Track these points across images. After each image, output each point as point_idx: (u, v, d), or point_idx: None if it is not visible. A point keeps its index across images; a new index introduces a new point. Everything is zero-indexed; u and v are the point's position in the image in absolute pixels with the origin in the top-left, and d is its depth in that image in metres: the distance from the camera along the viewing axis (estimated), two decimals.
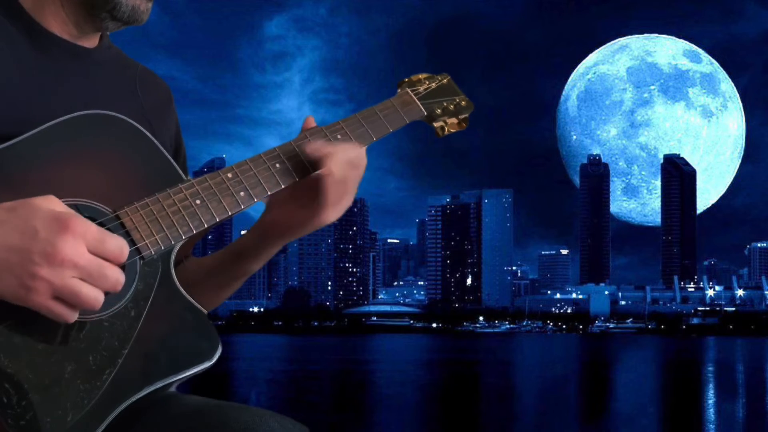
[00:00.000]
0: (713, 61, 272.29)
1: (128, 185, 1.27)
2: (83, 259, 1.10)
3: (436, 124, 1.60)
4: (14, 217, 1.09)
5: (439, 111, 1.59)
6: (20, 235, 1.08)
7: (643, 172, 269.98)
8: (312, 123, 1.46)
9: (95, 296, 1.11)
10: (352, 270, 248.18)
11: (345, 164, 1.39)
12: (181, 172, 1.33)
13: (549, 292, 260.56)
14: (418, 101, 1.57)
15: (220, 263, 1.51)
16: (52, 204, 1.12)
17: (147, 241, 1.24)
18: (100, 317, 1.20)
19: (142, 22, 1.39)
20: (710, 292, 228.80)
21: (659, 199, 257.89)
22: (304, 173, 1.39)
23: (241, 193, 1.33)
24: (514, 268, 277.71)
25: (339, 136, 1.45)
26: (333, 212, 1.42)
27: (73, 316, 1.12)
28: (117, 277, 1.14)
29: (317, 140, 1.40)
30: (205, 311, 1.29)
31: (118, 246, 1.14)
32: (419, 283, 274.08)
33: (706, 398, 22.44)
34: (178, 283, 1.28)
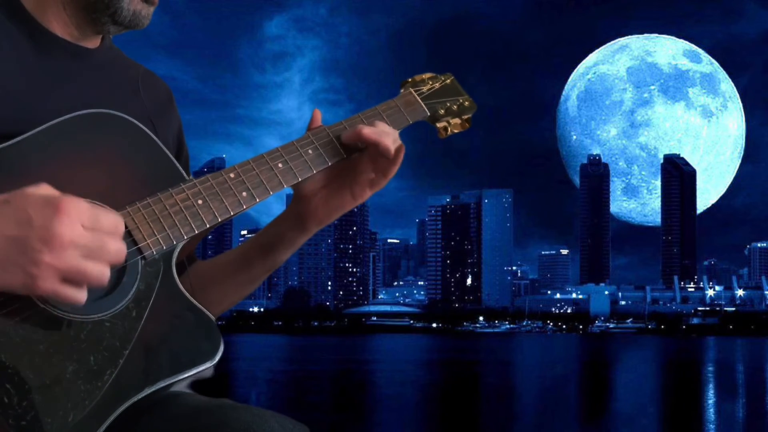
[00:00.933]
0: (713, 61, 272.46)
1: (130, 184, 1.27)
2: (82, 237, 1.10)
3: (439, 125, 1.59)
4: (8, 209, 1.10)
5: (442, 111, 1.59)
6: (16, 225, 1.09)
7: (643, 172, 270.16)
8: (319, 117, 1.48)
9: (101, 270, 1.12)
10: (352, 270, 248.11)
11: (396, 142, 1.44)
12: (183, 171, 1.33)
13: (549, 292, 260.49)
14: (421, 101, 1.56)
15: (246, 258, 1.51)
16: (44, 190, 1.12)
17: (149, 241, 1.23)
18: (101, 318, 1.19)
19: (142, 27, 1.41)
20: (710, 292, 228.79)
21: (659, 199, 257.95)
22: (306, 173, 1.41)
23: (244, 193, 1.33)
24: (514, 268, 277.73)
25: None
26: (378, 186, 1.47)
27: (83, 297, 1.12)
28: (118, 247, 1.14)
29: (362, 125, 1.44)
30: (207, 312, 1.29)
31: (114, 221, 1.14)
32: (419, 283, 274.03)
33: (706, 398, 22.45)
34: (179, 283, 1.28)
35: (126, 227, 1.23)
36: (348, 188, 1.47)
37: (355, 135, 1.43)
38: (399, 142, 1.45)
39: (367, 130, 1.42)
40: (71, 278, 1.11)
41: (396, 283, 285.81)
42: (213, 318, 1.30)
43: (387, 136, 1.43)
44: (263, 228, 1.54)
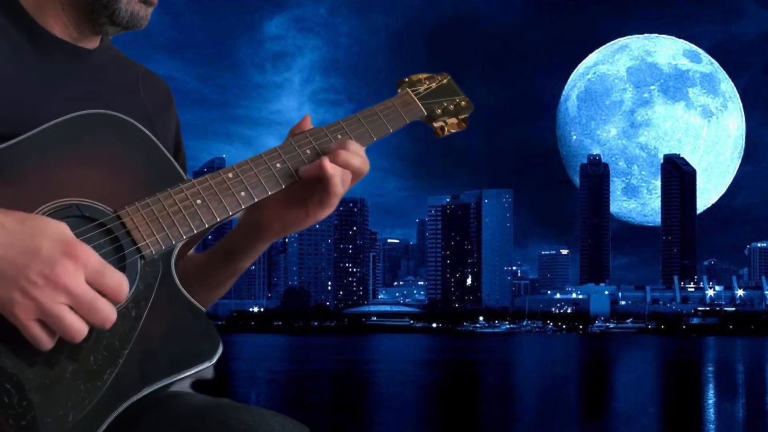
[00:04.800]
0: (713, 61, 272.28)
1: (129, 185, 1.27)
2: (78, 287, 1.09)
3: (435, 125, 1.60)
4: (22, 231, 1.09)
5: (439, 111, 1.60)
6: (22, 250, 1.08)
7: (643, 172, 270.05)
8: (309, 123, 1.47)
9: (79, 328, 1.10)
10: (352, 270, 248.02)
11: (354, 164, 1.42)
12: (182, 171, 1.33)
13: (549, 292, 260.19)
14: (418, 101, 1.57)
15: (211, 262, 1.52)
16: (63, 228, 1.12)
17: (148, 241, 1.24)
18: None
19: (141, 28, 1.41)
20: (710, 292, 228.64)
21: (659, 199, 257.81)
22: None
23: (242, 193, 1.34)
24: (514, 268, 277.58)
25: (339, 136, 1.45)
26: (329, 211, 1.45)
27: (49, 344, 1.11)
28: (108, 312, 1.12)
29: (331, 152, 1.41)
30: (204, 311, 1.29)
31: (118, 282, 1.13)
32: (419, 283, 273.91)
33: (706, 398, 22.46)
34: (178, 283, 1.28)
35: (125, 227, 1.23)
36: (302, 205, 1.45)
37: (315, 169, 1.40)
38: (359, 166, 1.42)
39: (328, 166, 1.39)
40: (48, 321, 1.09)
41: (396, 283, 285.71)
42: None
43: (338, 169, 1.40)
44: (226, 234, 1.54)
